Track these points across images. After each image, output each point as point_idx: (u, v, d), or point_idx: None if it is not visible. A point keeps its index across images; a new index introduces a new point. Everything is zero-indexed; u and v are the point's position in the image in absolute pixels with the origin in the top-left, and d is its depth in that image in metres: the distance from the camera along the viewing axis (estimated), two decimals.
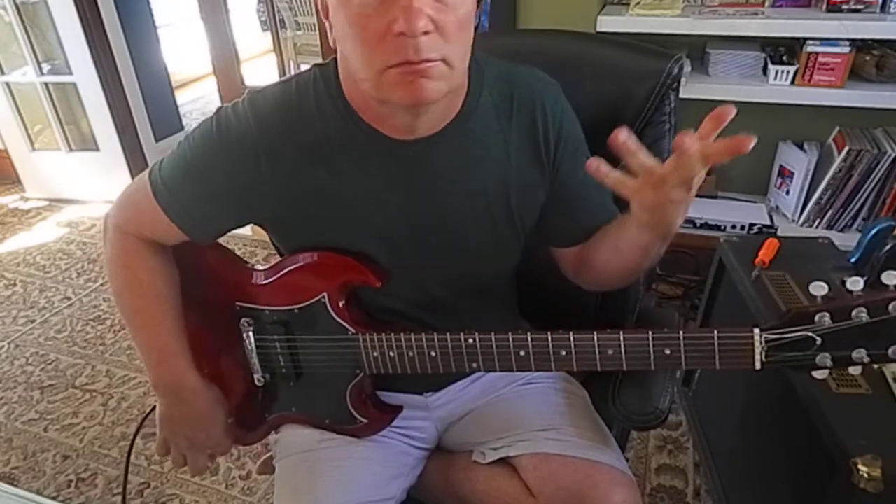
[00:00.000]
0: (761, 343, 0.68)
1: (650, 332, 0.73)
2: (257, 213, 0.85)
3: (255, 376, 0.91)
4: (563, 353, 0.76)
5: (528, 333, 0.77)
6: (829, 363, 0.67)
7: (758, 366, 0.69)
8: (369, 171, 0.80)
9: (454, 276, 0.87)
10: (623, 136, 0.62)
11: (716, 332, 0.70)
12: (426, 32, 0.64)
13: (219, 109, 0.81)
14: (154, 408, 0.92)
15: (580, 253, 0.90)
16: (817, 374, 0.69)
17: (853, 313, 0.65)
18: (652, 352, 0.73)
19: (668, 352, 0.72)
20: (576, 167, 0.85)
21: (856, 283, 0.66)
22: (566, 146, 0.84)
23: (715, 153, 0.60)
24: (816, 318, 0.66)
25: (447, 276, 0.87)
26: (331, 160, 0.79)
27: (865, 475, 0.88)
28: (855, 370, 0.68)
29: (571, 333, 0.75)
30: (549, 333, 0.76)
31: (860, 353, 0.66)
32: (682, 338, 0.71)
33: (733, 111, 0.60)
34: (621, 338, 0.74)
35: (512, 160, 0.82)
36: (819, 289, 0.67)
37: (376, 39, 0.66)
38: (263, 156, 0.78)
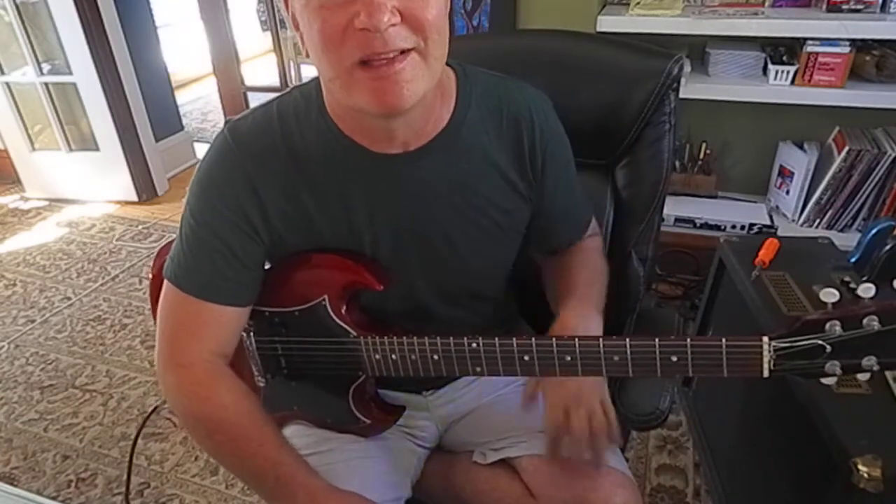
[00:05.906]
0: (770, 352, 0.67)
1: (657, 340, 0.71)
2: (268, 240, 0.81)
3: (256, 377, 0.91)
4: (568, 358, 0.74)
5: (533, 339, 0.76)
6: (838, 371, 0.67)
7: (766, 374, 0.68)
8: (354, 187, 0.79)
9: (444, 287, 0.87)
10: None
11: (724, 340, 0.69)
12: (392, 25, 0.62)
13: (199, 166, 0.80)
14: (155, 408, 0.90)
15: (552, 268, 0.95)
16: (825, 381, 0.68)
17: (864, 321, 0.64)
18: (658, 359, 0.71)
19: (674, 359, 0.71)
20: (558, 185, 0.86)
21: (867, 290, 0.65)
22: (551, 164, 0.84)
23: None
24: (827, 326, 0.65)
25: (437, 288, 0.87)
26: (316, 178, 0.78)
27: (865, 475, 0.88)
28: (864, 377, 0.67)
29: (577, 339, 0.74)
30: (553, 338, 0.75)
31: (870, 361, 0.65)
32: (689, 345, 0.70)
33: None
34: (627, 345, 0.72)
35: (498, 175, 0.82)
36: (830, 296, 0.66)
37: (339, 34, 0.63)
38: (257, 180, 0.77)
